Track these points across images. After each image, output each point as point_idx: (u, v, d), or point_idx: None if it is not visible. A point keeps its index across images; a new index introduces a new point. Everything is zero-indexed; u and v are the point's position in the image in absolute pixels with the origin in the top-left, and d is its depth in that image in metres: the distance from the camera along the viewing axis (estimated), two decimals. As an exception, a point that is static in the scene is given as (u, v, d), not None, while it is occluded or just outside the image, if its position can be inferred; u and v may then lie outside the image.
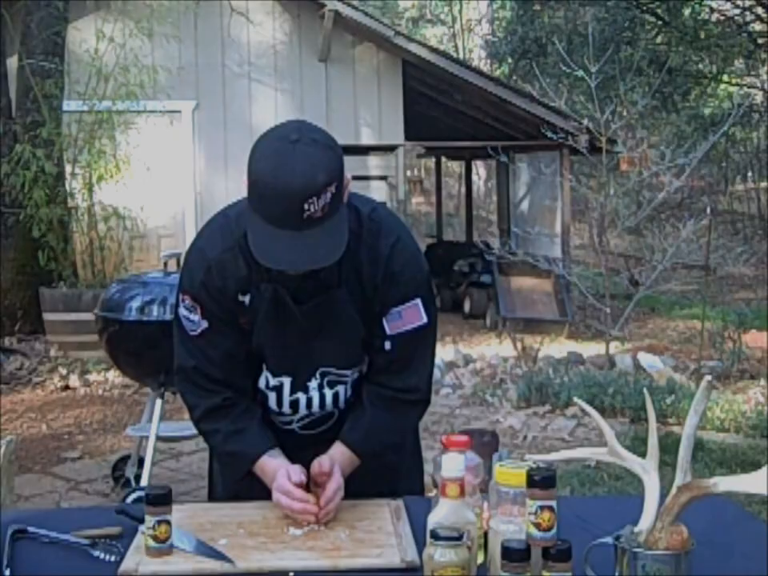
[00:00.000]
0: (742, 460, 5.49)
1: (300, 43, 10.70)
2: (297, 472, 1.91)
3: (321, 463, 1.94)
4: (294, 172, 1.75)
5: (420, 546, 1.66)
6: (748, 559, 1.72)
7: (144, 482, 4.44)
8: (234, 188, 9.76)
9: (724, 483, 1.52)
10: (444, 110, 12.82)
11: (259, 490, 1.98)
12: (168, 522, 1.75)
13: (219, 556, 1.73)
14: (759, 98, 16.66)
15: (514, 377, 7.64)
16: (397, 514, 1.93)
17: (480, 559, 1.67)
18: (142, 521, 1.77)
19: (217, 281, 1.96)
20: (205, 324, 1.99)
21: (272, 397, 2.08)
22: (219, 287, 1.96)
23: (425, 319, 2.01)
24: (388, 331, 2.00)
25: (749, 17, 15.38)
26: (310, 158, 1.77)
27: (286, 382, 2.06)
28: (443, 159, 17.52)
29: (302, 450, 2.03)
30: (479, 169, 22.66)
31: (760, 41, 15.09)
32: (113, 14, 9.36)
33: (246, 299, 1.98)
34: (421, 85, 11.51)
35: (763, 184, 20.39)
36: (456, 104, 11.97)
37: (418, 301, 2.00)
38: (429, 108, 12.70)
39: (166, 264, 4.83)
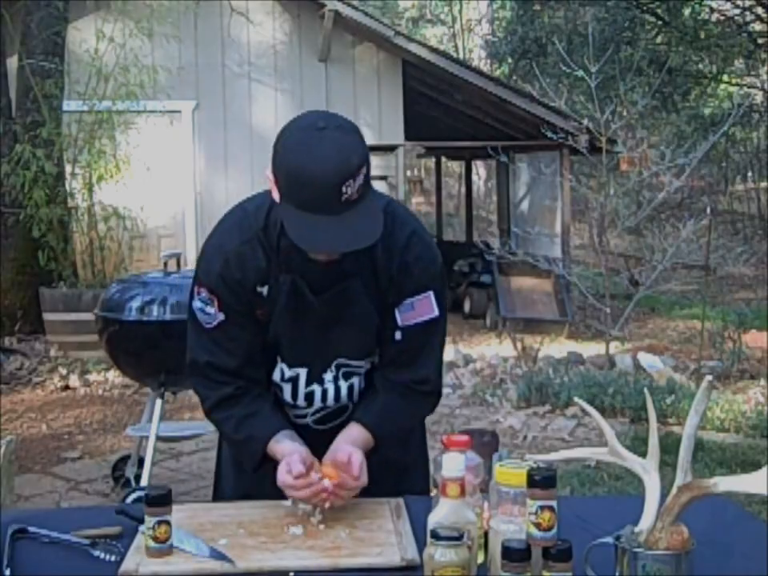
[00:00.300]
0: (742, 460, 5.49)
1: (300, 43, 10.69)
2: (297, 462, 1.88)
3: (351, 461, 1.90)
4: (328, 158, 1.78)
5: (420, 545, 1.66)
6: (748, 559, 1.72)
7: (144, 482, 4.44)
8: (233, 188, 9.85)
9: (724, 483, 1.52)
10: (444, 109, 12.81)
11: (270, 488, 1.94)
12: (168, 523, 1.74)
13: (219, 556, 1.73)
14: (759, 98, 16.66)
15: (514, 377, 7.64)
16: (397, 512, 1.92)
17: (480, 559, 1.67)
18: (141, 521, 1.77)
19: (235, 273, 1.97)
20: (221, 316, 1.99)
21: (287, 389, 2.08)
22: (238, 279, 1.97)
23: (436, 312, 2.02)
24: (399, 322, 2.01)
25: (749, 17, 15.38)
26: (339, 142, 1.80)
27: (302, 373, 2.06)
28: (443, 159, 17.51)
29: (316, 446, 2.00)
30: (479, 169, 22.65)
31: (760, 41, 15.09)
32: (113, 14, 9.35)
33: (265, 290, 1.99)
34: (421, 85, 11.50)
35: (763, 184, 20.38)
36: (456, 104, 11.96)
37: (431, 293, 2.01)
38: (429, 108, 12.69)
39: (166, 264, 4.83)
